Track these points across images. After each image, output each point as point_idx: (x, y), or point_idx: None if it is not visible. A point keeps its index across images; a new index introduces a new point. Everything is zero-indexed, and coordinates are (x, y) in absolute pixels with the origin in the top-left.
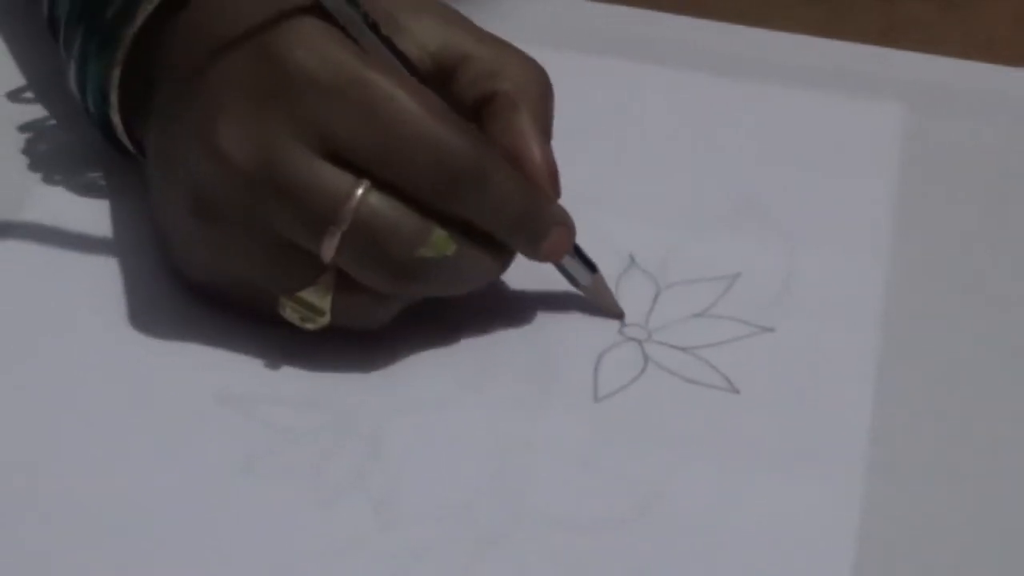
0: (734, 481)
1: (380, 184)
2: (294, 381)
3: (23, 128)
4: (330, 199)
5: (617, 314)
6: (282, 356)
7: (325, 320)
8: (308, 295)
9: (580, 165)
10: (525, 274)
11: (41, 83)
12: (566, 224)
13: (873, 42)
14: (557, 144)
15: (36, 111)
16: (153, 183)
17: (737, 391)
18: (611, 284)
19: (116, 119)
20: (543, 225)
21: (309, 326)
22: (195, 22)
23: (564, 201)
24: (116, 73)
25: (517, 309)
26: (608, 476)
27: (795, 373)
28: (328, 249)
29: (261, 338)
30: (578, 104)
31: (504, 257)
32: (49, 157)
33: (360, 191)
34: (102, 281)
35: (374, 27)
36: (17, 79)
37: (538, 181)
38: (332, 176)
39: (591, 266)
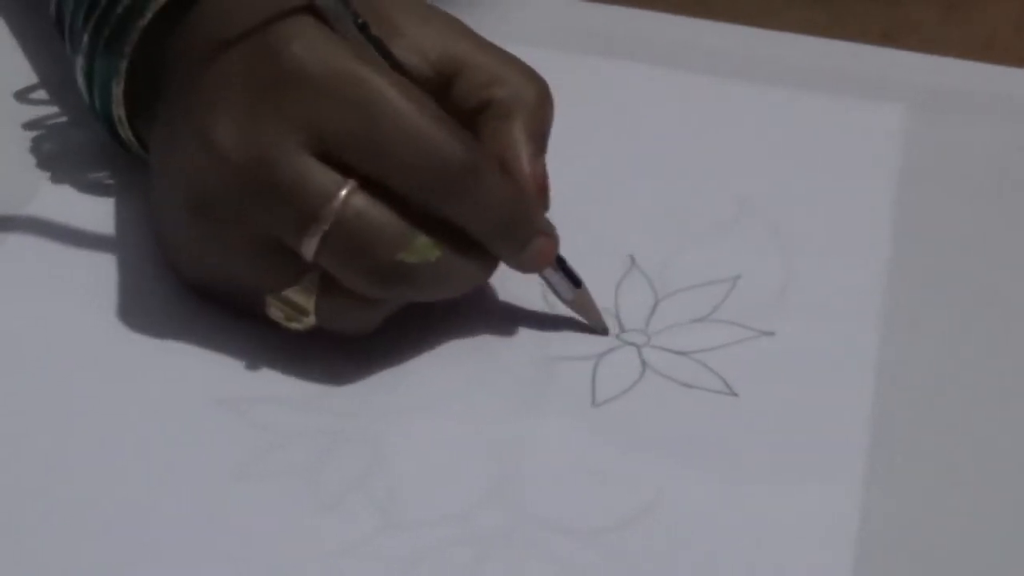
0: (733, 485)
1: (368, 184)
2: (294, 383)
3: (28, 126)
4: (314, 197)
5: (602, 329)
6: (282, 358)
7: (310, 320)
8: (292, 294)
9: (580, 166)
10: (523, 278)
11: (50, 81)
12: (550, 235)
13: (874, 43)
14: (557, 145)
15: (44, 110)
16: (153, 177)
17: (736, 395)
18: (611, 287)
19: (120, 112)
20: (526, 233)
21: (294, 326)
22: (201, 20)
23: (565, 203)
24: (123, 66)
25: (516, 313)
26: (607, 480)
27: (794, 376)
28: (309, 248)
29: (261, 340)
30: (578, 105)
31: (489, 264)
32: (55, 156)
33: (344, 191)
34: (104, 282)
35: (363, 27)
36: (27, 77)
37: (525, 190)
38: (318, 174)
39: (576, 280)
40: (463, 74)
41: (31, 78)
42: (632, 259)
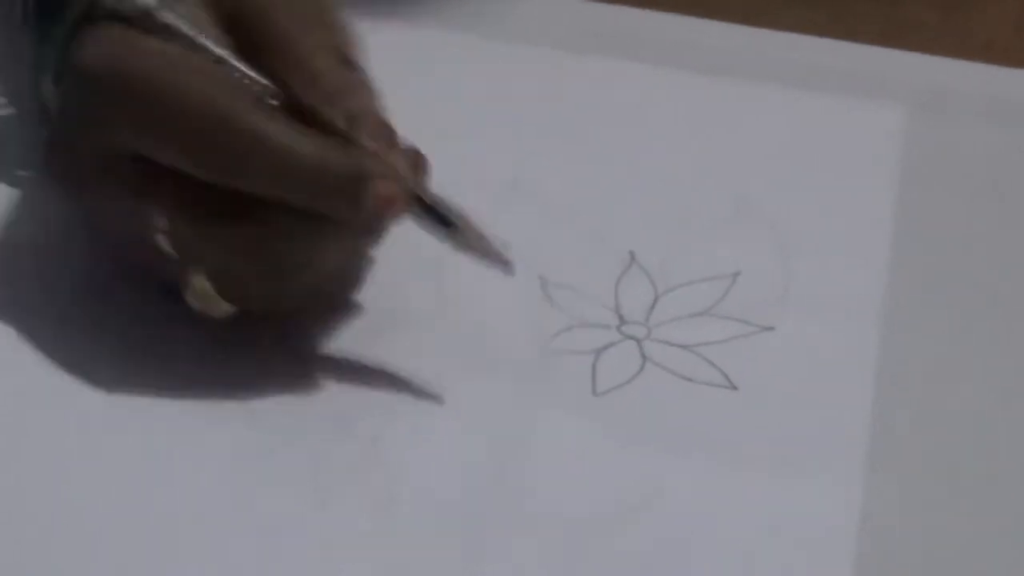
0: (733, 478)
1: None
2: (290, 380)
3: None
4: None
5: (502, 264)
6: (278, 353)
7: (226, 307)
8: (197, 283)
9: (581, 165)
10: (524, 269)
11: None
12: (390, 172)
13: (874, 43)
14: (558, 145)
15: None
16: None
17: (736, 388)
18: (612, 284)
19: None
20: (353, 180)
21: (215, 314)
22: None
23: (566, 200)
24: (48, 80)
25: (516, 306)
26: (607, 472)
27: (794, 370)
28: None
29: (255, 335)
30: (579, 105)
31: (336, 233)
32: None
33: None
34: (95, 280)
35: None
36: None
37: (334, 100)
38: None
39: (445, 221)
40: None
41: None
42: (632, 255)
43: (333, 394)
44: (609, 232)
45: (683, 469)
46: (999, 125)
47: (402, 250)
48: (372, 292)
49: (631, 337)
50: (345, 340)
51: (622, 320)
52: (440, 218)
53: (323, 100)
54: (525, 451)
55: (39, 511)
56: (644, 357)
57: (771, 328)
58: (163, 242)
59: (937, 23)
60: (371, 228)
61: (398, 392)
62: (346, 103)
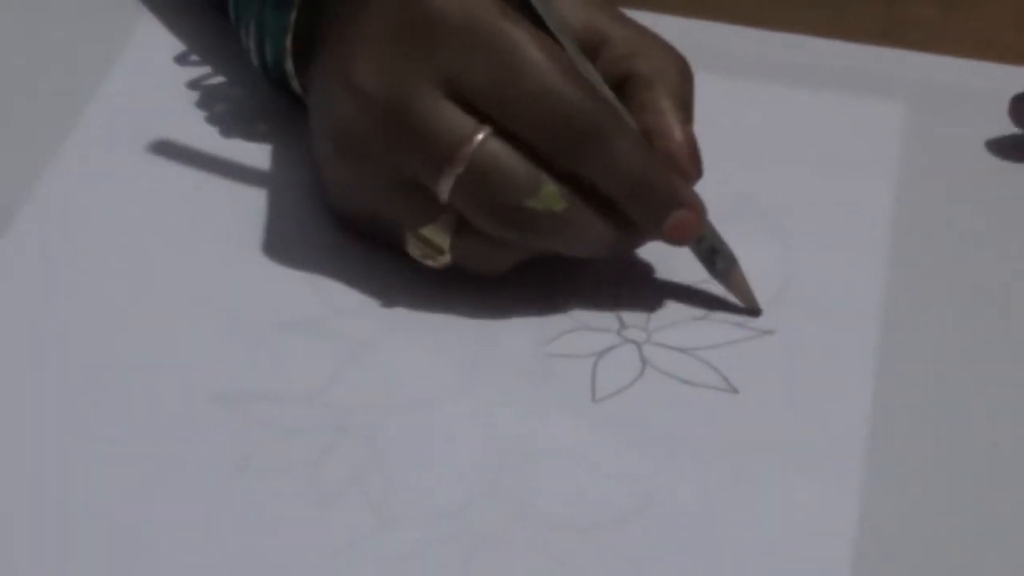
0: (733, 481)
1: (501, 132)
2: (291, 380)
3: (190, 85)
4: (450, 140)
5: (752, 311)
6: (279, 354)
7: (445, 259)
8: (429, 232)
9: None
10: (525, 275)
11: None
12: (694, 207)
13: (874, 42)
14: None
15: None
16: (310, 120)
17: (736, 391)
18: (612, 285)
19: (288, 65)
20: (666, 200)
21: (430, 263)
22: None
23: None
24: (292, 17)
25: (517, 310)
26: (606, 476)
27: (794, 373)
28: (444, 188)
29: (257, 336)
30: None
31: (623, 228)
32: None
33: (480, 136)
34: (105, 276)
35: None
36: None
37: (678, 157)
38: (455, 118)
39: (728, 258)
40: (604, 47)
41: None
42: (633, 256)
43: (333, 393)
44: None
45: (683, 472)
46: (998, 123)
47: (401, 255)
48: (375, 296)
49: (631, 341)
50: (345, 339)
51: (622, 324)
52: (713, 255)
53: (667, 126)
54: (524, 453)
55: (34, 509)
56: (644, 361)
57: (771, 332)
58: (444, 186)
59: (937, 21)
60: (643, 242)
61: (397, 395)
62: (681, 131)
